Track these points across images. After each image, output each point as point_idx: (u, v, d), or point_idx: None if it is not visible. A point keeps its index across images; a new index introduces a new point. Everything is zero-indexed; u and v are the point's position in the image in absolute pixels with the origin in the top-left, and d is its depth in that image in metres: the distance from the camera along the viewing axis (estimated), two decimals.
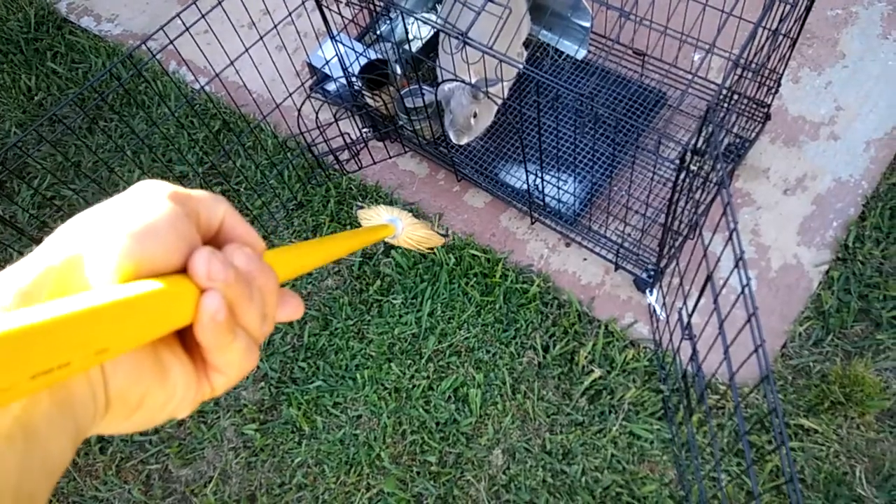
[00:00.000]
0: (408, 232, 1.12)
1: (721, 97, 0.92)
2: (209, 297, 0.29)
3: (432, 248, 1.26)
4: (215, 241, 0.32)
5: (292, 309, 0.37)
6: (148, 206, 0.29)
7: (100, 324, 0.24)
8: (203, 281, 0.29)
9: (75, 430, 0.26)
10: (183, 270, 0.29)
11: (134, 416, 0.29)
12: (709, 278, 0.95)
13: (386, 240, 1.05)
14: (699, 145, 0.95)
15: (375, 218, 1.17)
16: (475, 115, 1.36)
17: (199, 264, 0.29)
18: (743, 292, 0.76)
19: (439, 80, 1.44)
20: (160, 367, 0.29)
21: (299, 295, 1.50)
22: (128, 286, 0.26)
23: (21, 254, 1.84)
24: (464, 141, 1.42)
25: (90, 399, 0.27)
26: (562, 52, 1.74)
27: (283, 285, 0.37)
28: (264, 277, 0.32)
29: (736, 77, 1.09)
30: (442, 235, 1.19)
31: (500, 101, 1.41)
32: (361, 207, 1.21)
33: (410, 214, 1.15)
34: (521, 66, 1.05)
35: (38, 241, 1.32)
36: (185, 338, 0.31)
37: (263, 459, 1.49)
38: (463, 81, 1.25)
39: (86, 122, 2.04)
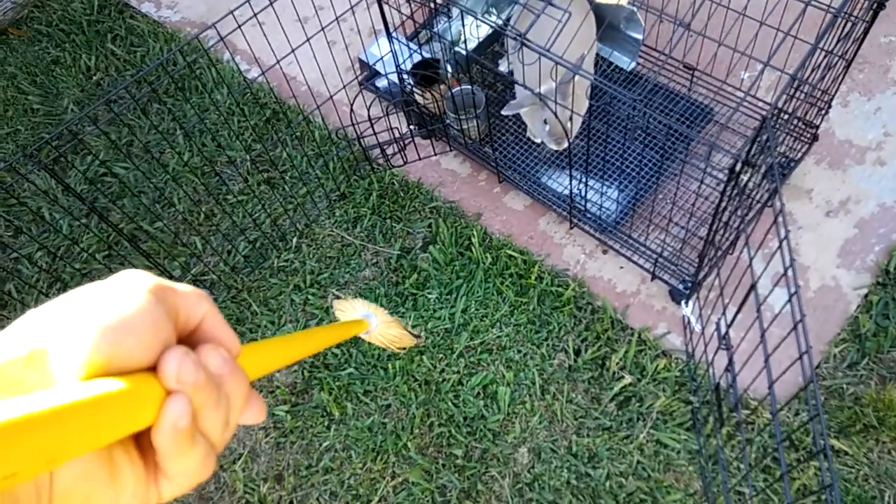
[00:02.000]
0: (381, 329, 1.15)
1: (776, 110, 0.94)
2: (174, 401, 0.27)
3: (403, 349, 1.30)
4: (191, 338, 0.31)
5: (255, 413, 0.34)
6: (124, 298, 0.27)
7: (55, 429, 0.22)
8: (171, 383, 0.27)
9: None
10: (152, 368, 0.28)
11: None
12: (752, 287, 0.96)
13: (360, 335, 1.08)
14: (752, 155, 0.97)
15: (350, 311, 1.20)
16: (571, 119, 1.36)
17: (170, 365, 0.27)
18: (790, 300, 0.77)
19: (517, 90, 1.44)
20: (111, 466, 0.27)
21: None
22: (90, 385, 0.24)
23: (72, 226, 1.89)
24: (564, 146, 1.41)
25: (34, 501, 0.25)
26: (612, 63, 1.76)
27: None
28: (235, 382, 0.31)
29: (790, 94, 1.10)
30: (415, 336, 1.22)
31: (585, 105, 1.40)
32: (338, 298, 1.23)
33: (385, 312, 1.18)
34: (577, 70, 1.07)
35: (94, 210, 1.36)
36: (140, 440, 0.29)
37: (292, 441, 1.52)
38: (531, 91, 1.27)
39: (139, 105, 2.10)
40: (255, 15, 1.46)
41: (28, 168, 2.02)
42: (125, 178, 1.96)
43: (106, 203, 1.93)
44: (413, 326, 1.59)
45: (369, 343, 1.60)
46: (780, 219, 0.78)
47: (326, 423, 1.52)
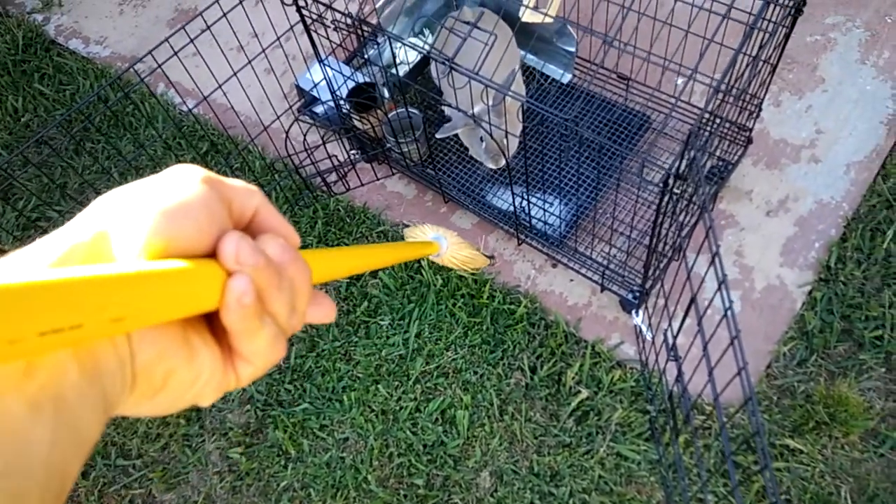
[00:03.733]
0: (452, 251, 1.11)
1: (703, 122, 0.94)
2: (236, 279, 0.28)
3: (477, 269, 1.27)
4: (247, 231, 0.32)
5: (324, 311, 0.36)
6: (181, 186, 0.28)
7: (116, 291, 0.24)
8: (231, 263, 0.28)
9: (104, 404, 0.26)
10: (213, 257, 0.29)
11: (159, 395, 0.29)
12: (693, 300, 0.96)
13: (430, 258, 1.05)
14: (682, 170, 0.97)
15: (420, 236, 1.17)
16: (507, 138, 1.34)
17: (228, 246, 0.28)
18: (725, 315, 0.77)
19: (447, 112, 1.43)
20: (187, 347, 0.29)
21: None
22: (152, 262, 0.26)
23: None
24: (501, 164, 1.39)
25: (118, 371, 0.26)
26: (547, 76, 1.76)
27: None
28: (296, 268, 0.31)
29: (717, 102, 1.11)
30: (487, 257, 1.19)
31: (519, 125, 1.39)
32: (408, 226, 1.21)
33: (456, 234, 1.15)
34: (506, 92, 1.06)
35: None
36: (214, 325, 0.30)
37: (249, 483, 1.47)
38: (464, 112, 1.26)
39: (72, 143, 2.04)
40: (192, 41, 1.42)
41: None
42: (59, 223, 1.89)
43: None
44: (366, 355, 1.56)
45: (322, 375, 1.57)
46: (710, 236, 0.78)
47: (283, 462, 1.48)
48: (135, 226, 0.26)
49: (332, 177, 1.66)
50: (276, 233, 0.32)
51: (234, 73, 1.59)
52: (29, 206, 1.95)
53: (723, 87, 1.04)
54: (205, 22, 1.39)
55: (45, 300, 0.21)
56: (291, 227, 0.33)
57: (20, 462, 0.22)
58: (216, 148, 1.96)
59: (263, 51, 1.62)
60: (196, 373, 0.29)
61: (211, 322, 0.30)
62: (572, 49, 1.64)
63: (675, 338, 1.12)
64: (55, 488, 0.23)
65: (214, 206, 0.29)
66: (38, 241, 0.26)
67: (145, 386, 0.28)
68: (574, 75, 1.74)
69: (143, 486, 1.51)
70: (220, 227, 0.29)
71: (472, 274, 1.37)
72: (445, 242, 1.10)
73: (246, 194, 0.31)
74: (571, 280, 1.60)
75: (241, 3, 1.37)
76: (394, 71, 1.67)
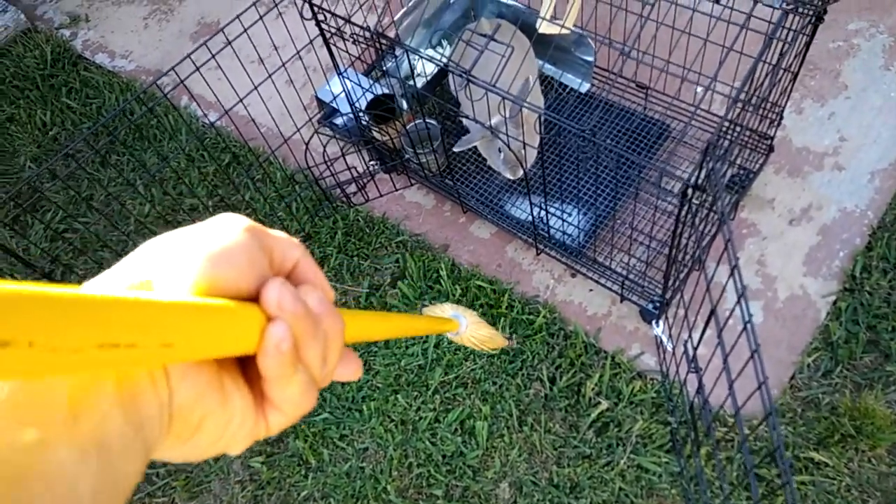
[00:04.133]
0: (472, 330, 1.14)
1: (723, 131, 0.94)
2: (276, 325, 0.29)
3: (495, 349, 1.30)
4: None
5: (352, 368, 0.37)
6: (224, 233, 0.30)
7: (169, 317, 0.25)
8: (273, 308, 0.29)
9: (144, 450, 0.27)
10: (254, 301, 0.30)
11: (192, 439, 0.30)
12: (712, 313, 0.95)
13: (449, 336, 1.07)
14: (701, 180, 0.96)
15: (440, 313, 1.19)
16: (524, 149, 1.36)
17: (271, 292, 0.29)
18: (745, 328, 0.76)
19: (464, 124, 1.43)
20: (222, 390, 0.30)
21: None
22: (202, 297, 0.27)
23: None
24: (519, 174, 1.39)
25: (157, 415, 0.27)
26: (566, 86, 1.76)
27: None
28: (332, 321, 0.32)
29: (737, 111, 1.11)
30: (506, 338, 1.21)
31: (536, 136, 1.38)
32: (426, 305, 1.24)
33: (474, 314, 1.17)
34: (522, 104, 1.07)
35: (48, 276, 1.34)
36: (247, 372, 0.31)
37: (270, 493, 1.48)
38: (482, 124, 1.27)
39: (98, 157, 2.08)
40: (213, 56, 1.44)
41: None
42: (85, 234, 1.92)
43: (67, 260, 1.90)
44: (385, 365, 1.56)
45: (342, 385, 1.57)
46: (729, 248, 0.77)
47: (304, 472, 1.49)
48: (181, 269, 0.28)
49: (352, 188, 1.68)
50: (315, 286, 0.33)
51: (255, 87, 1.61)
52: (56, 219, 1.99)
53: (742, 95, 1.03)
54: (226, 37, 1.41)
55: (108, 314, 0.22)
56: (327, 282, 0.34)
57: None
58: (238, 160, 1.99)
59: (283, 64, 1.65)
60: (228, 417, 0.30)
61: (244, 369, 0.31)
62: (590, 59, 1.64)
63: (695, 349, 1.11)
64: None
65: (256, 254, 0.30)
66: (91, 281, 0.27)
67: (181, 428, 0.29)
68: (593, 84, 1.74)
69: (166, 495, 1.52)
70: (261, 274, 0.30)
71: (493, 351, 1.38)
72: (465, 321, 1.12)
73: (287, 245, 0.33)
74: (591, 290, 1.59)
75: (261, 18, 1.39)
76: (412, 83, 1.69)
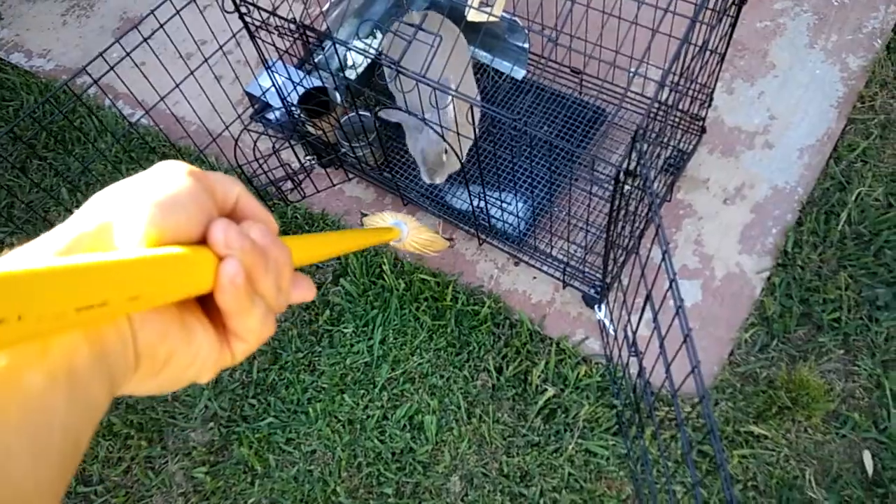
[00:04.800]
0: (413, 236, 1.11)
1: (652, 114, 0.94)
2: (228, 262, 0.31)
3: (437, 251, 1.28)
4: (231, 219, 0.34)
5: (305, 290, 0.39)
6: (170, 180, 0.31)
7: (132, 273, 0.27)
8: (221, 248, 0.31)
9: (110, 380, 0.29)
10: (202, 243, 0.32)
11: (161, 374, 0.32)
12: (648, 297, 0.95)
13: (392, 243, 1.06)
14: (631, 166, 0.96)
15: (380, 223, 1.17)
16: (446, 151, 1.30)
17: (217, 233, 0.31)
18: (677, 313, 0.76)
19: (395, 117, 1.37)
20: (185, 327, 0.32)
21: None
22: (156, 249, 0.29)
23: None
24: (438, 180, 1.35)
25: (121, 350, 0.29)
26: (501, 73, 1.75)
27: None
28: (278, 251, 0.34)
29: (666, 93, 1.11)
30: (447, 239, 1.19)
31: (470, 138, 1.35)
32: (366, 215, 1.21)
33: (414, 219, 1.15)
34: (450, 92, 1.05)
35: None
36: (208, 308, 0.34)
37: (215, 503, 1.44)
38: (415, 115, 1.24)
39: (18, 161, 1.97)
40: (129, 54, 1.38)
41: None
42: (8, 244, 1.83)
43: None
44: (330, 365, 1.53)
45: (286, 388, 1.54)
46: (660, 234, 0.77)
47: (250, 479, 1.45)
48: (133, 217, 0.29)
49: (287, 185, 1.63)
50: (257, 219, 0.35)
51: (177, 85, 1.55)
52: None
53: (670, 77, 1.03)
54: (141, 34, 1.35)
55: (82, 280, 0.25)
56: (270, 213, 0.36)
57: (41, 426, 0.26)
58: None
59: (206, 60, 1.59)
60: (195, 351, 0.33)
61: (206, 305, 0.34)
62: (524, 45, 1.63)
63: (634, 333, 1.11)
64: (70, 451, 0.27)
65: (201, 196, 0.32)
66: (45, 234, 0.29)
67: (148, 365, 0.31)
68: (529, 71, 1.73)
69: None
70: (207, 216, 0.32)
71: (435, 254, 1.35)
72: (406, 228, 1.10)
73: (227, 183, 0.35)
74: (534, 278, 1.59)
75: (178, 12, 1.33)
76: (343, 75, 1.65)
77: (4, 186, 1.88)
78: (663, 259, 0.81)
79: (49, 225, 1.81)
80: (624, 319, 1.41)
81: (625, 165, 0.96)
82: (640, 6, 1.18)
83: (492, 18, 1.18)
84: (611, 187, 1.03)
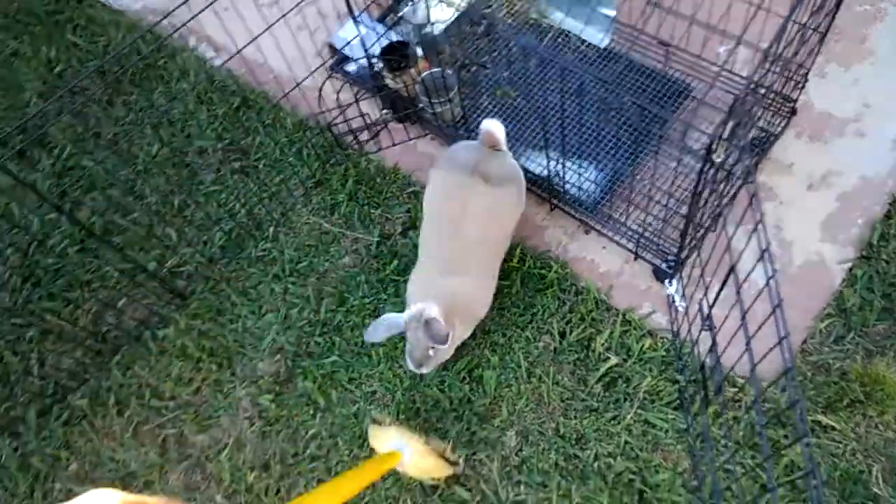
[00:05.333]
0: (415, 461, 1.13)
1: (749, 89, 0.92)
2: None
3: (439, 479, 1.32)
4: None
5: None
6: None
7: None
8: None
9: None
10: None
11: None
12: (732, 269, 0.94)
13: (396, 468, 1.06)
14: (724, 137, 0.95)
15: (382, 436, 1.18)
16: (433, 348, 1.30)
17: None
18: (768, 283, 0.76)
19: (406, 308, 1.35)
20: None
21: (315, 273, 1.48)
22: None
23: (43, 221, 1.84)
24: (423, 371, 1.34)
25: None
26: (585, 41, 1.73)
27: None
28: None
29: (764, 70, 1.08)
30: (452, 463, 1.21)
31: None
32: (375, 422, 1.23)
33: (420, 439, 1.15)
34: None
35: (58, 209, 1.31)
36: None
37: (278, 430, 1.49)
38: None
39: (106, 94, 2.04)
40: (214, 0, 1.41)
41: None
42: (93, 172, 1.90)
43: (75, 197, 1.87)
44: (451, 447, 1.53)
45: (352, 329, 1.58)
46: (754, 203, 0.76)
47: (312, 412, 1.50)
48: None
49: (364, 135, 1.65)
50: None
51: (267, 28, 1.57)
52: (63, 155, 1.96)
53: (771, 53, 1.01)
54: None
55: None
56: None
57: None
58: (248, 104, 1.95)
59: (297, 4, 1.60)
60: None
61: None
62: (612, 12, 1.60)
63: (710, 307, 1.10)
64: None
65: None
66: None
67: None
68: (613, 40, 1.70)
69: (175, 427, 1.53)
70: None
71: (436, 481, 1.36)
72: (409, 451, 1.11)
73: None
74: (604, 248, 1.58)
75: None
76: (427, 30, 1.65)
77: (93, 117, 1.95)
78: (755, 229, 0.80)
79: (133, 156, 1.87)
80: (697, 295, 1.40)
81: (718, 135, 0.95)
82: None
83: None
84: (699, 157, 1.01)
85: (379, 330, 1.32)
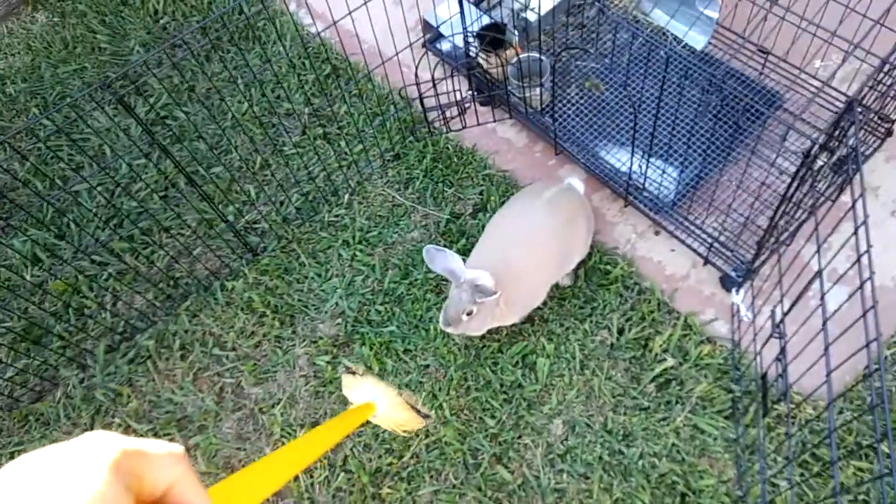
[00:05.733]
0: (388, 412, 1.15)
1: (864, 93, 0.91)
2: None
3: (409, 432, 1.33)
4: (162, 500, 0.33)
5: None
6: (82, 481, 0.29)
7: None
8: None
9: None
10: None
11: None
12: (819, 273, 0.94)
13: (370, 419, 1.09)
14: (830, 141, 0.94)
15: (357, 388, 1.20)
16: (469, 314, 1.32)
17: None
18: (862, 285, 0.75)
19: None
20: None
21: (383, 244, 1.49)
22: None
23: (131, 166, 1.93)
24: (449, 330, 1.36)
25: None
26: (682, 42, 1.71)
27: None
28: None
29: (875, 80, 1.06)
30: (423, 416, 1.22)
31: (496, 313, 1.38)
32: (348, 371, 1.24)
33: (395, 391, 1.17)
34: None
35: (146, 157, 1.38)
36: None
37: (331, 391, 1.54)
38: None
39: (204, 50, 2.13)
40: None
41: (91, 106, 2.07)
42: (185, 123, 1.99)
43: (165, 145, 1.97)
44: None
45: (413, 302, 1.61)
46: (862, 201, 0.76)
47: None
48: None
49: (454, 111, 1.68)
50: None
51: (366, 1, 1.61)
52: (158, 104, 2.06)
53: (889, 62, 0.99)
54: None
55: None
56: (205, 496, 0.34)
57: None
58: (337, 73, 2.01)
59: None
60: None
61: None
62: (716, 15, 1.59)
63: (784, 314, 1.10)
64: None
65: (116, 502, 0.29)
66: None
67: None
68: (710, 44, 1.69)
69: (233, 377, 1.60)
70: None
71: (406, 434, 1.37)
72: (383, 403, 1.13)
73: (166, 465, 0.32)
74: (673, 250, 1.58)
75: None
76: (524, 15, 1.67)
77: (190, 70, 2.04)
78: (855, 232, 0.80)
79: (223, 112, 1.94)
80: (766, 305, 1.38)
81: (823, 138, 0.94)
82: None
83: None
84: (795, 161, 1.00)
85: (438, 259, 1.32)
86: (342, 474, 1.44)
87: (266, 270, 1.73)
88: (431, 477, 1.42)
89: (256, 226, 1.80)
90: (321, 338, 1.61)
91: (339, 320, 1.63)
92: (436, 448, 1.44)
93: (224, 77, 2.07)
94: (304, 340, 1.62)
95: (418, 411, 1.25)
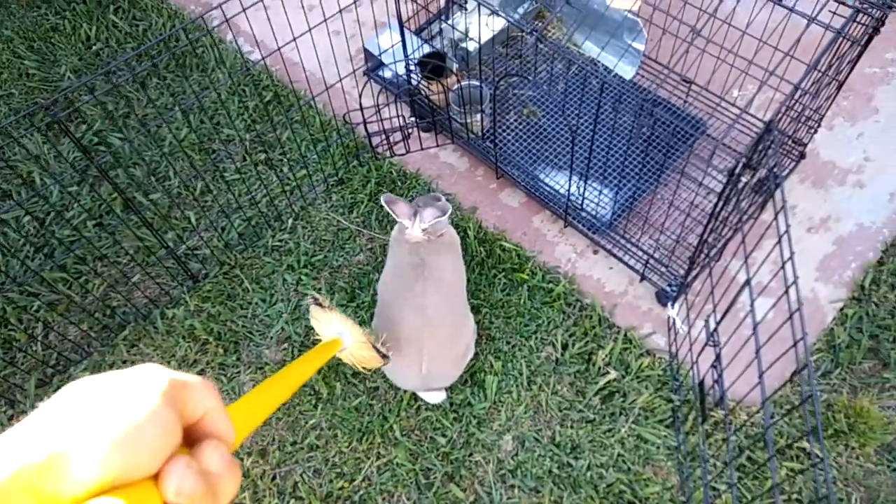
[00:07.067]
0: (353, 349, 1.18)
1: (780, 116, 0.99)
2: None
3: (368, 369, 1.38)
4: (195, 429, 0.36)
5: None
6: (138, 404, 0.32)
7: None
8: (171, 497, 0.31)
9: None
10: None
11: None
12: (747, 282, 1.01)
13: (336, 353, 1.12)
14: (751, 160, 1.02)
15: (325, 322, 1.23)
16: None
17: (172, 480, 0.31)
18: (787, 290, 0.82)
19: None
20: None
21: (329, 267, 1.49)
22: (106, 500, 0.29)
23: (62, 193, 1.86)
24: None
25: None
26: (612, 72, 1.81)
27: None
28: (230, 475, 0.35)
29: (788, 106, 1.16)
30: (382, 357, 1.26)
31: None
32: (317, 303, 1.27)
33: (360, 329, 1.21)
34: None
35: (79, 184, 1.34)
36: None
37: (278, 417, 1.52)
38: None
39: (140, 78, 2.10)
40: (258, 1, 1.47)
41: (21, 132, 2.00)
42: (119, 150, 1.95)
43: (97, 174, 1.91)
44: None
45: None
46: (784, 212, 0.83)
47: (313, 402, 1.53)
48: (89, 455, 0.29)
49: (397, 136, 1.71)
50: (219, 434, 0.36)
51: (310, 29, 1.63)
52: (91, 131, 2.00)
53: (799, 89, 1.09)
54: None
55: None
56: (231, 423, 0.38)
57: None
58: (279, 99, 2.02)
59: (341, 10, 1.67)
60: None
61: None
62: (642, 47, 1.69)
63: (718, 323, 1.16)
64: None
65: (168, 426, 0.32)
66: None
67: None
68: (638, 73, 1.79)
69: None
70: (170, 448, 0.32)
71: (366, 371, 1.43)
72: (349, 339, 1.17)
73: (201, 395, 0.36)
74: (611, 268, 1.65)
75: None
76: (463, 45, 1.73)
77: (125, 96, 2.00)
78: (779, 241, 0.87)
79: (161, 139, 1.92)
80: (699, 318, 1.46)
81: (745, 157, 1.02)
82: (775, 26, 1.24)
83: (634, 7, 1.24)
84: (722, 178, 1.08)
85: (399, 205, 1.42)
86: (292, 501, 1.42)
87: (208, 297, 1.70)
88: (384, 499, 1.42)
89: (198, 252, 1.77)
90: (267, 363, 1.59)
91: (286, 345, 1.61)
92: (387, 470, 1.44)
93: (160, 104, 2.04)
94: (249, 367, 1.59)
95: (379, 350, 1.25)
